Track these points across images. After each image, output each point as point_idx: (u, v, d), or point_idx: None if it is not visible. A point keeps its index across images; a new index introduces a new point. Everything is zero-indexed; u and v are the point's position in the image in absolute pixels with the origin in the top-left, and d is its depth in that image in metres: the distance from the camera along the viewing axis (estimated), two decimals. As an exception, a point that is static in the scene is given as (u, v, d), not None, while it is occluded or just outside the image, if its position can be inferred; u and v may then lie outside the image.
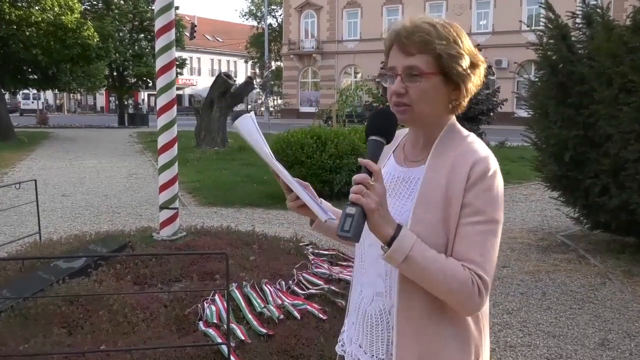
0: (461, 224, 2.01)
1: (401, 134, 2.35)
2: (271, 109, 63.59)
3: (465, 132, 2.19)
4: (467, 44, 2.09)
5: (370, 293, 2.20)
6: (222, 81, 25.32)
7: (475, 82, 2.14)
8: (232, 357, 4.98)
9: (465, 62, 2.07)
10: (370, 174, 1.92)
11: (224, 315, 5.40)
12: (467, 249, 1.99)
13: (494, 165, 2.05)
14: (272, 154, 2.06)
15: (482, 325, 2.17)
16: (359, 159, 1.96)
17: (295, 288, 6.47)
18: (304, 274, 6.79)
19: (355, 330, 2.27)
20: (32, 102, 79.62)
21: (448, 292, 1.97)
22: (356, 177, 1.92)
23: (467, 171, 2.02)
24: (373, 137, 2.03)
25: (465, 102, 2.18)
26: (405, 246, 1.93)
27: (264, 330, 5.48)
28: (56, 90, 47.98)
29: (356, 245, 2.31)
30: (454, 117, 2.21)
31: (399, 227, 1.95)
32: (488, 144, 25.13)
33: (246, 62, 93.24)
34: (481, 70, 2.16)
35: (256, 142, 2.04)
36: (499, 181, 2.05)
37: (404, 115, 2.11)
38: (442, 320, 2.07)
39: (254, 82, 32.98)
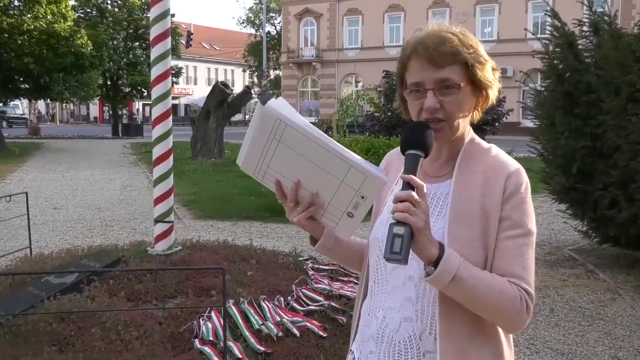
0: (500, 238, 1.99)
1: None
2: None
3: (485, 143, 2.17)
4: (484, 50, 2.08)
5: (397, 319, 2.09)
6: (219, 90, 25.30)
7: (497, 88, 2.13)
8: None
9: (489, 69, 2.07)
10: (412, 190, 1.84)
11: (221, 332, 5.44)
12: (510, 263, 1.98)
13: (525, 177, 2.07)
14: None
15: (511, 342, 2.14)
16: (400, 174, 1.93)
17: (295, 304, 6.47)
18: (304, 290, 6.80)
19: (377, 359, 2.14)
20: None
21: (497, 310, 1.95)
22: (401, 194, 1.82)
23: (502, 184, 2.01)
24: (412, 151, 1.94)
25: (480, 112, 2.19)
26: (452, 266, 1.87)
27: (262, 348, 5.47)
28: (48, 99, 47.95)
29: (372, 268, 2.23)
30: (471, 131, 2.18)
31: (441, 247, 1.89)
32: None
33: (244, 70, 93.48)
34: (498, 75, 2.14)
35: (298, 118, 1.83)
36: (530, 193, 2.08)
37: (439, 132, 2.04)
38: (482, 340, 2.03)
39: (252, 92, 32.92)
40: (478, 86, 2.05)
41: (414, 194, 1.81)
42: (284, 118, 1.80)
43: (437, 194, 2.10)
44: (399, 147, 2.25)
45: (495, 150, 2.13)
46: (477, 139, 2.16)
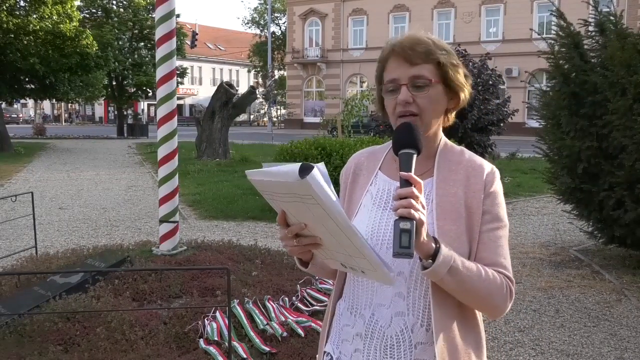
0: (483, 231, 2.14)
1: (381, 149, 2.42)
2: (274, 119, 63.48)
3: (456, 146, 2.33)
4: (458, 57, 2.22)
5: (388, 314, 2.16)
6: (224, 91, 25.28)
7: (468, 92, 2.26)
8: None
9: (462, 72, 2.21)
10: (411, 187, 1.92)
11: (225, 332, 5.40)
12: (493, 254, 2.13)
13: (498, 175, 2.25)
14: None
15: (483, 328, 2.28)
16: (400, 172, 1.96)
17: (299, 304, 6.47)
18: (308, 290, 6.79)
19: (365, 357, 2.19)
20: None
21: (488, 297, 2.09)
22: (402, 191, 1.90)
23: (482, 181, 2.17)
24: (405, 150, 2.02)
25: (453, 115, 2.32)
26: (448, 258, 1.98)
27: (267, 348, 5.47)
28: (54, 100, 47.89)
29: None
30: (443, 135, 2.32)
31: (436, 240, 2.00)
32: (498, 156, 24.66)
33: (249, 71, 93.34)
34: (470, 82, 2.27)
35: (329, 198, 1.78)
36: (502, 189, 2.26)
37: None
38: (466, 328, 2.17)
39: (257, 92, 32.87)
40: (449, 86, 2.18)
41: (415, 190, 1.88)
42: (317, 197, 1.76)
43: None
44: (367, 149, 2.47)
45: (469, 153, 2.28)
46: (449, 142, 2.31)
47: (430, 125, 2.18)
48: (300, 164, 1.73)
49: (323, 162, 1.83)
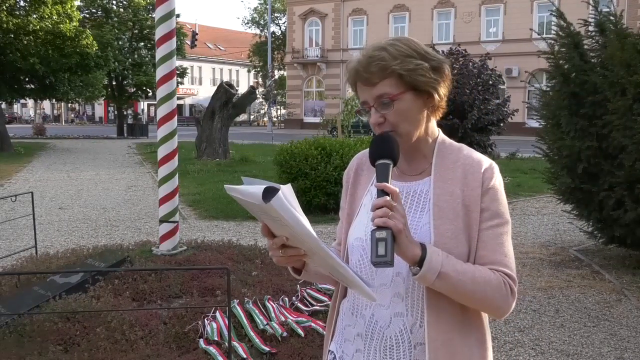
0: (482, 229, 2.11)
1: None
2: (274, 119, 63.50)
3: (456, 143, 2.30)
4: (422, 52, 2.14)
5: (387, 315, 2.15)
6: (224, 91, 25.28)
7: (446, 83, 2.20)
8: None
9: (426, 70, 2.12)
10: (387, 196, 1.95)
11: (225, 332, 5.39)
12: (493, 252, 2.10)
13: (498, 171, 2.21)
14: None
15: (488, 327, 2.26)
16: (375, 183, 2.04)
17: (299, 304, 6.46)
18: (308, 290, 6.76)
19: (366, 357, 2.20)
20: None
21: (484, 298, 2.06)
22: (377, 201, 1.93)
23: (480, 178, 2.13)
24: (381, 161, 2.07)
25: (444, 104, 2.24)
26: (435, 264, 1.97)
27: (267, 348, 5.46)
28: (54, 100, 47.87)
29: (355, 269, 2.25)
30: (440, 132, 2.30)
31: (423, 246, 1.99)
32: (498, 156, 24.57)
33: (249, 71, 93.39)
34: (446, 70, 2.19)
35: (295, 220, 1.84)
36: (503, 185, 2.21)
37: None
38: (468, 329, 2.14)
39: (257, 92, 32.87)
40: (420, 89, 2.13)
41: (390, 199, 1.91)
42: (284, 220, 1.81)
43: (418, 192, 2.20)
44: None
45: (467, 149, 2.26)
46: (448, 139, 2.29)
47: (410, 134, 2.16)
48: (264, 186, 1.76)
49: (290, 184, 1.85)
